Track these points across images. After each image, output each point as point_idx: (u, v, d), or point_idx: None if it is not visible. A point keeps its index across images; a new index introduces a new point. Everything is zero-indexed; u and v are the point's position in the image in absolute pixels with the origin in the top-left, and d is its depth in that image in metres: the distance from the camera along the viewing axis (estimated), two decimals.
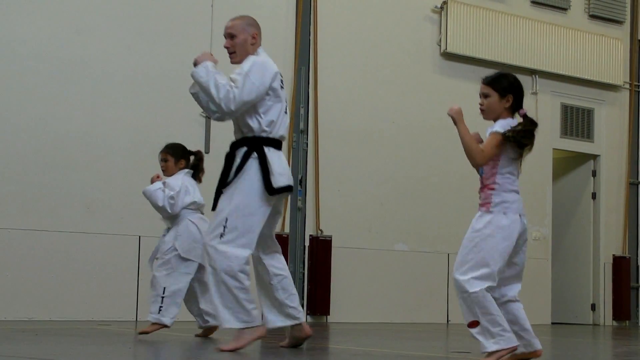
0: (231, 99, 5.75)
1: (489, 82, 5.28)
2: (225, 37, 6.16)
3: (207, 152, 10.66)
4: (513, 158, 5.12)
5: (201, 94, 6.06)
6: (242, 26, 6.16)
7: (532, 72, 13.45)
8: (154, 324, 7.35)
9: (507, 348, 4.93)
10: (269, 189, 5.83)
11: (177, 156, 7.72)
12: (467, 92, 12.63)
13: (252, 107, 5.91)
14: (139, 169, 10.33)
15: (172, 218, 7.55)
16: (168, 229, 7.61)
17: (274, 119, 5.97)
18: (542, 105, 13.52)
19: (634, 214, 14.47)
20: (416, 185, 12.47)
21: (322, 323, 11.27)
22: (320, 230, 11.61)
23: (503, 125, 5.14)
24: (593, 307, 14.02)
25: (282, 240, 11.22)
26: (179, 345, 6.68)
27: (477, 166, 5.13)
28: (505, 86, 5.25)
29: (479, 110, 5.32)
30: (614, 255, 14.13)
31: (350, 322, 11.51)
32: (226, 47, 6.15)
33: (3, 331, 7.54)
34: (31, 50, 9.99)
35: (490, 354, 4.94)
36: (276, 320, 6.13)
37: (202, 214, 7.63)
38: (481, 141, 5.19)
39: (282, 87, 6.08)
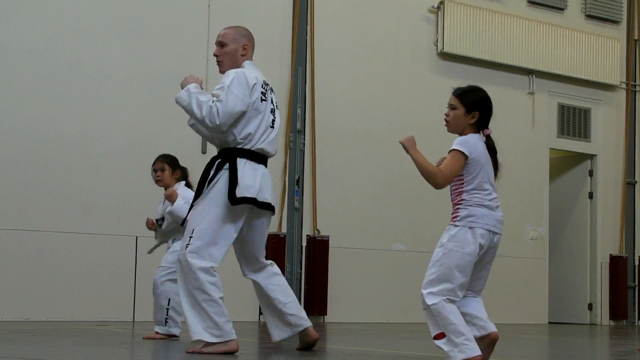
0: (214, 114, 5.66)
1: (458, 94, 5.17)
2: (215, 44, 6.06)
3: (204, 152, 10.66)
4: (476, 175, 5.05)
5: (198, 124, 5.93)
6: (233, 36, 6.02)
7: (528, 72, 13.46)
8: (158, 333, 7.26)
9: (471, 357, 4.87)
10: (231, 199, 5.67)
11: (173, 166, 7.61)
12: None
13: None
14: (136, 170, 10.33)
15: (175, 231, 7.45)
16: (173, 241, 7.54)
17: (251, 132, 5.82)
18: (539, 105, 13.53)
19: (630, 213, 14.48)
20: (413, 185, 12.44)
21: (319, 323, 11.27)
22: (318, 230, 11.61)
23: (461, 142, 5.06)
24: (590, 306, 14.02)
25: (279, 240, 11.23)
26: (176, 346, 6.68)
27: (439, 187, 5.03)
28: (472, 101, 5.12)
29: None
30: (611, 254, 14.13)
31: (347, 322, 11.52)
32: (215, 55, 6.04)
33: (0, 332, 7.54)
34: (28, 51, 9.98)
35: None
36: (279, 333, 6.13)
37: None
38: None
39: (263, 100, 5.92)
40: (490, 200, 5.02)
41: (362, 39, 12.22)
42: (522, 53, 13.30)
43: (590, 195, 14.22)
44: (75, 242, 9.99)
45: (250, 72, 5.89)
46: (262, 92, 5.91)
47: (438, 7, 12.72)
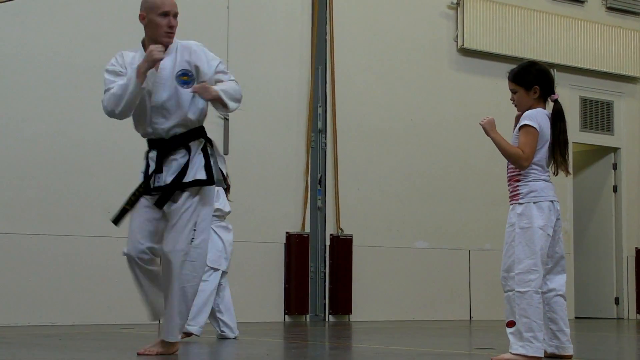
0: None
1: (512, 77, 5.30)
2: (174, 17, 5.63)
3: (226, 154, 10.68)
4: (539, 150, 5.11)
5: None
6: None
7: (550, 66, 13.28)
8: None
9: (530, 356, 4.90)
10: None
11: None
12: (485, 88, 12.61)
13: None
14: None
15: None
16: None
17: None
18: (561, 99, 13.21)
19: None
20: (435, 182, 12.44)
21: (344, 322, 11.26)
22: (341, 229, 11.60)
23: (530, 116, 5.12)
24: (617, 300, 13.93)
25: (303, 240, 11.23)
26: (200, 348, 6.68)
27: (524, 169, 5.10)
28: (529, 79, 5.25)
29: (509, 105, 5.34)
30: (636, 248, 14.04)
31: (372, 320, 11.50)
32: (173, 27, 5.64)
33: (27, 336, 7.57)
34: (47, 57, 10.02)
35: (514, 355, 4.94)
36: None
37: (224, 220, 7.57)
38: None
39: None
40: (545, 174, 5.15)
41: (381, 36, 12.20)
42: (543, 47, 13.23)
43: (615, 189, 14.13)
44: (98, 245, 10.02)
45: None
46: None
47: (457, 3, 12.67)
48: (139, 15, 5.62)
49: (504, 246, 5.07)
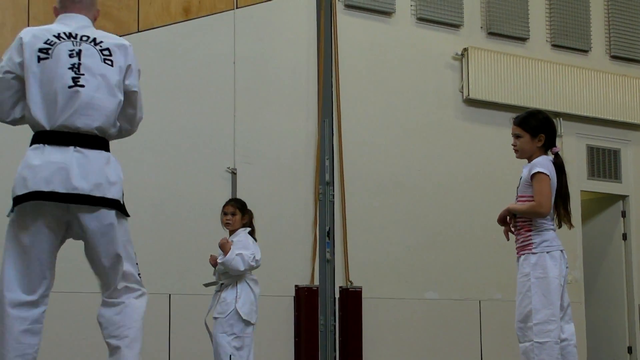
0: None
1: (519, 122, 5.31)
2: None
3: None
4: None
5: None
6: None
7: (555, 114, 13.39)
8: None
9: None
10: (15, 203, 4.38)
11: (243, 211, 7.76)
12: (491, 138, 12.61)
13: (23, 96, 4.36)
14: (166, 227, 10.35)
15: (233, 276, 7.50)
16: (221, 285, 7.58)
17: (36, 107, 4.30)
18: (568, 148, 13.45)
19: None
20: (444, 232, 12.40)
21: None
22: (350, 281, 11.55)
23: (541, 164, 5.12)
24: (630, 350, 13.80)
25: (312, 293, 11.17)
26: None
27: (545, 216, 5.09)
28: (535, 126, 5.27)
29: (513, 151, 5.33)
30: None
31: None
32: None
33: None
34: None
35: None
36: None
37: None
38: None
39: (42, 59, 4.31)
40: (553, 224, 5.18)
41: (387, 89, 12.24)
42: (549, 96, 13.26)
43: (624, 236, 14.07)
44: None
45: (35, 29, 4.46)
46: (40, 49, 4.34)
47: (462, 54, 12.73)
48: (97, 10, 4.92)
49: (517, 296, 5.03)
